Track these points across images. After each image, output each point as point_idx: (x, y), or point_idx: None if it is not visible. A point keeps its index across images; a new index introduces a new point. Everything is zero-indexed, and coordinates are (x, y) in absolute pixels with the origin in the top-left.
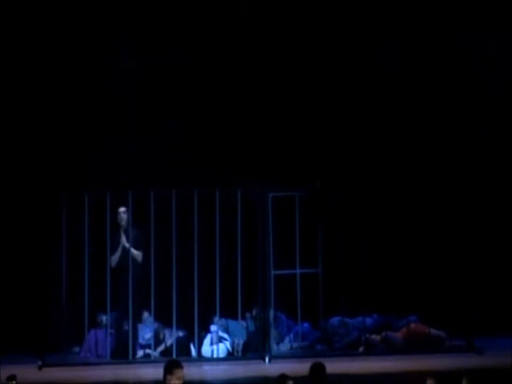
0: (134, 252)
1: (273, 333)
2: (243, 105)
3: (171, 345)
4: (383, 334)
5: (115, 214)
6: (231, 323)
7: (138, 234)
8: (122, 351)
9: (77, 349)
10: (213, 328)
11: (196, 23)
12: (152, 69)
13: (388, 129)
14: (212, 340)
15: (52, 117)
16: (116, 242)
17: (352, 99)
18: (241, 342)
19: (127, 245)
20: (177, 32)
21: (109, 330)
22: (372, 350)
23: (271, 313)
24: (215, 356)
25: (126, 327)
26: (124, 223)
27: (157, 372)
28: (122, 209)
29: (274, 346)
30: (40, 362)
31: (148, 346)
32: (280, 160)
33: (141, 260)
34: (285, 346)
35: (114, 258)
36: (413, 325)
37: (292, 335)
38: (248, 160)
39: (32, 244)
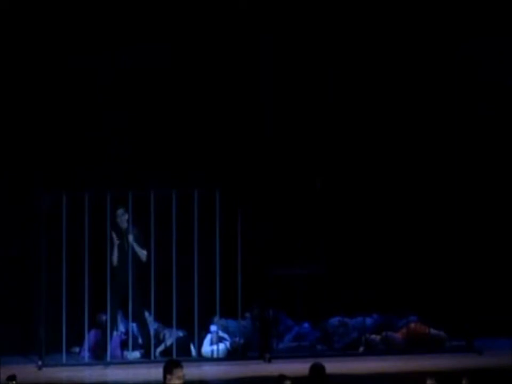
0: (143, 251)
1: (273, 332)
2: (242, 105)
3: (171, 345)
4: (383, 334)
5: (115, 214)
6: (231, 323)
7: (139, 234)
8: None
9: (77, 349)
10: (213, 328)
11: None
12: (152, 68)
13: (388, 129)
14: (211, 339)
15: (52, 116)
16: (120, 243)
17: (350, 96)
18: (241, 342)
19: (134, 243)
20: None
21: (120, 331)
22: (372, 350)
23: (271, 313)
24: (215, 356)
25: (126, 327)
26: (124, 224)
27: (157, 371)
28: (121, 210)
29: (274, 346)
30: (40, 362)
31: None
32: (279, 160)
33: (145, 259)
34: (284, 346)
35: (114, 257)
36: (413, 325)
37: (291, 335)
38: (248, 160)
39: (31, 243)
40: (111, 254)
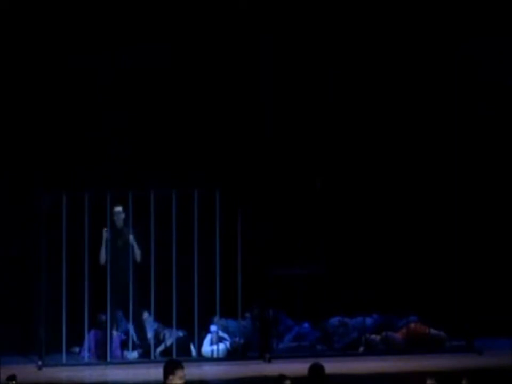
0: (137, 250)
1: (273, 332)
2: (242, 105)
3: (171, 345)
4: (383, 334)
5: (112, 211)
6: (231, 323)
7: (135, 234)
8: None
9: (77, 349)
10: (213, 328)
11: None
12: (152, 68)
13: (388, 129)
14: (211, 339)
15: (52, 116)
16: (114, 242)
17: (350, 96)
18: (241, 342)
19: (134, 243)
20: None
21: (117, 332)
22: (372, 350)
23: (271, 313)
24: (215, 356)
25: (126, 327)
26: (120, 222)
27: (157, 371)
28: (118, 208)
29: (274, 346)
30: (40, 362)
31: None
32: (279, 160)
33: (140, 259)
34: (284, 346)
35: (102, 255)
36: (413, 325)
37: (291, 335)
38: (248, 160)
39: (31, 243)
40: (102, 252)
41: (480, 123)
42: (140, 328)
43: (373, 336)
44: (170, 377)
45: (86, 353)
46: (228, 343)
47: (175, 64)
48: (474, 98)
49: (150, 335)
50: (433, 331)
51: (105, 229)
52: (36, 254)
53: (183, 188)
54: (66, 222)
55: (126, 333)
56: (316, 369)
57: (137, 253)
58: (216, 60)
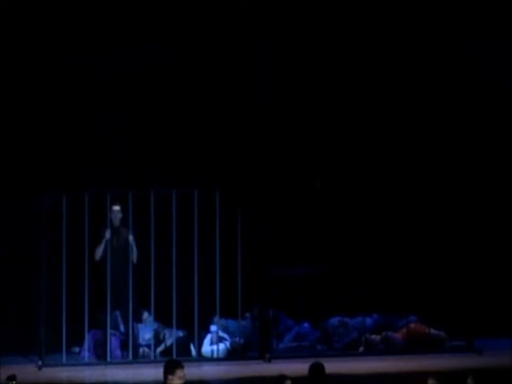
0: (135, 251)
1: (273, 332)
2: (242, 105)
3: (171, 345)
4: (383, 334)
5: (110, 210)
6: (231, 323)
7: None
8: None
9: (77, 349)
10: (213, 328)
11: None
12: (152, 68)
13: (388, 129)
14: (211, 339)
15: (52, 116)
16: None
17: (349, 96)
18: (241, 342)
19: (133, 244)
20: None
21: (111, 331)
22: (372, 350)
23: (271, 313)
24: (215, 356)
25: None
26: (117, 222)
27: (157, 371)
28: (116, 207)
29: (274, 346)
30: (40, 362)
31: (148, 346)
32: (279, 160)
33: (137, 260)
34: (284, 346)
35: (98, 251)
36: (413, 325)
37: (291, 335)
38: (248, 160)
39: (31, 243)
40: (98, 249)
41: (480, 123)
42: (133, 329)
43: (373, 336)
44: (170, 377)
45: (86, 353)
46: (228, 343)
47: (175, 64)
48: (474, 98)
49: (149, 335)
50: (433, 331)
51: (107, 230)
52: (36, 254)
53: (183, 188)
54: (66, 222)
55: (124, 333)
56: (316, 368)
57: (135, 254)
58: (216, 60)
